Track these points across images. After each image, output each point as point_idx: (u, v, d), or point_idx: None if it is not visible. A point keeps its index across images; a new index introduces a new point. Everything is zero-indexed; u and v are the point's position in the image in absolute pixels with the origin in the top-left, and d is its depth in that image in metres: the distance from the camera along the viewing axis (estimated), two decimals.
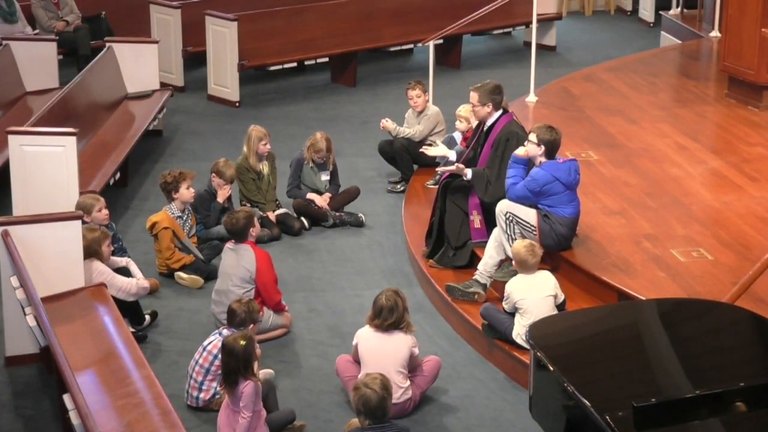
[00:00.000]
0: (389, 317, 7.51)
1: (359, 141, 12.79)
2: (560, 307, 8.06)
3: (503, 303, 8.12)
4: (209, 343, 7.66)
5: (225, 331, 7.65)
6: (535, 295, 7.94)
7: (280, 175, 10.75)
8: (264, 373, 7.51)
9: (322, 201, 10.59)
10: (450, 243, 9.26)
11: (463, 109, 10.96)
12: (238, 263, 8.51)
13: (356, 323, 8.25)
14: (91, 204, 8.99)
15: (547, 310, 7.87)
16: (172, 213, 9.67)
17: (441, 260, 9.34)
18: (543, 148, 8.56)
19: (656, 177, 10.30)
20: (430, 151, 10.26)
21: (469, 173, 9.16)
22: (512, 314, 8.05)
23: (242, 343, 6.98)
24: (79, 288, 8.19)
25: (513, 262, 8.26)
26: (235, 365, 6.96)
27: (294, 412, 7.41)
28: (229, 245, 8.70)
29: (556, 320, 7.16)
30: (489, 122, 9.24)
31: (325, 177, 10.72)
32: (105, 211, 9.08)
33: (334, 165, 10.79)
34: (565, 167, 8.56)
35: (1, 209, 10.31)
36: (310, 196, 10.59)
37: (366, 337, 7.59)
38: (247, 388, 6.95)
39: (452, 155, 9.28)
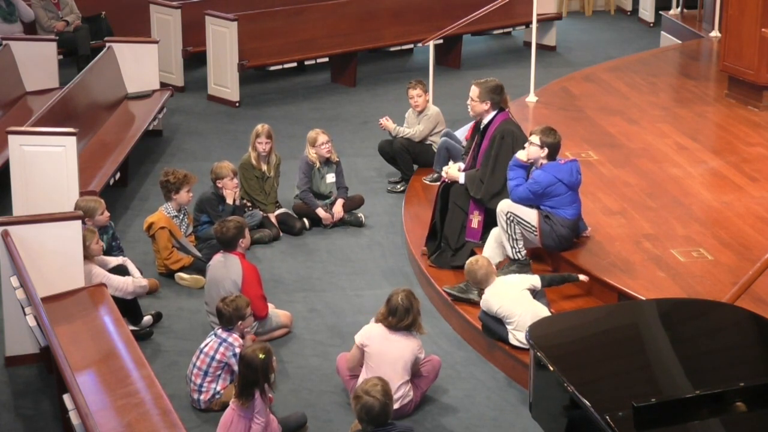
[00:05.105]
0: (405, 318, 7.47)
1: (359, 141, 12.79)
2: (552, 279, 8.26)
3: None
4: (205, 345, 7.66)
5: (219, 331, 7.66)
6: (508, 298, 7.98)
7: (281, 175, 10.74)
8: None
9: (327, 219, 10.56)
10: (449, 244, 9.26)
11: None
12: (225, 275, 8.45)
13: (356, 323, 8.25)
14: (94, 208, 8.97)
15: (528, 304, 7.94)
16: (168, 213, 9.66)
17: (438, 260, 9.33)
18: (546, 150, 8.57)
19: (656, 177, 10.30)
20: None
21: (461, 178, 9.19)
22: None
23: (261, 356, 6.88)
24: (79, 288, 8.19)
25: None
26: (253, 377, 6.87)
27: (305, 416, 7.42)
28: (218, 256, 8.65)
29: (556, 320, 7.17)
30: (485, 120, 9.26)
31: (330, 179, 10.69)
32: (106, 213, 9.10)
33: (339, 165, 10.76)
34: (567, 168, 8.56)
35: (1, 209, 10.31)
36: (320, 213, 10.56)
37: (376, 339, 7.53)
38: (257, 397, 6.92)
39: (461, 178, 9.23)
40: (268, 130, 10.52)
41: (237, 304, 7.66)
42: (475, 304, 8.53)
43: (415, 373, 7.63)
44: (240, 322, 7.67)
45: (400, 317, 7.48)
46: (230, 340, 7.59)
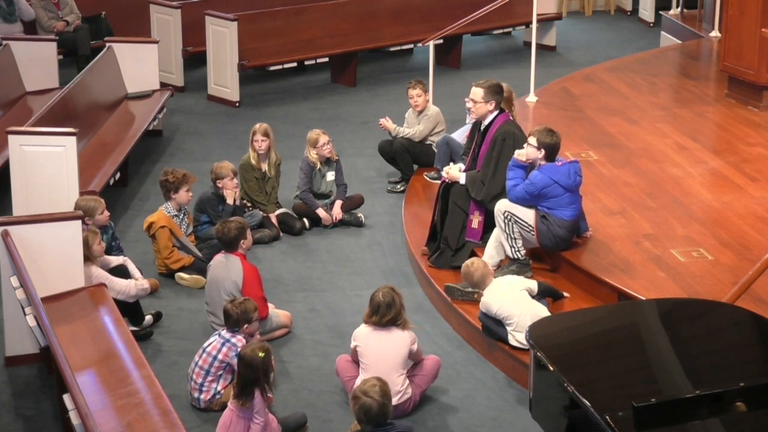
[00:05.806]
0: (387, 313, 7.51)
1: (359, 141, 12.79)
2: (544, 290, 8.21)
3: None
4: (209, 345, 7.66)
5: (224, 332, 7.66)
6: (508, 299, 7.98)
7: (281, 174, 10.74)
8: None
9: (327, 219, 10.56)
10: (449, 245, 9.25)
11: None
12: (226, 276, 8.45)
13: (356, 323, 8.23)
14: (94, 207, 8.96)
15: (527, 304, 7.94)
16: (168, 212, 9.66)
17: (437, 261, 9.32)
18: (543, 151, 8.56)
19: (656, 177, 10.30)
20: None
21: (462, 179, 9.18)
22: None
23: (261, 354, 6.90)
24: (79, 288, 8.18)
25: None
26: (254, 377, 6.89)
27: (306, 416, 7.42)
28: (219, 256, 8.65)
29: (556, 320, 7.17)
30: (486, 121, 9.25)
31: (330, 177, 10.69)
32: (106, 213, 9.09)
33: (339, 162, 10.76)
34: (564, 170, 8.55)
35: (1, 209, 10.31)
36: (320, 213, 10.56)
37: (365, 337, 7.58)
38: (256, 397, 6.93)
39: (462, 179, 9.22)
40: (264, 128, 10.51)
41: (245, 307, 7.67)
42: (475, 303, 8.53)
43: (416, 363, 7.64)
44: (246, 326, 7.68)
45: (383, 313, 7.51)
46: (233, 340, 7.59)
